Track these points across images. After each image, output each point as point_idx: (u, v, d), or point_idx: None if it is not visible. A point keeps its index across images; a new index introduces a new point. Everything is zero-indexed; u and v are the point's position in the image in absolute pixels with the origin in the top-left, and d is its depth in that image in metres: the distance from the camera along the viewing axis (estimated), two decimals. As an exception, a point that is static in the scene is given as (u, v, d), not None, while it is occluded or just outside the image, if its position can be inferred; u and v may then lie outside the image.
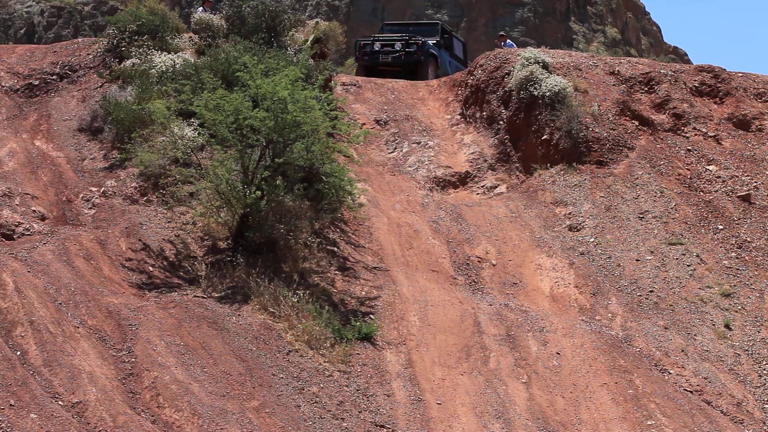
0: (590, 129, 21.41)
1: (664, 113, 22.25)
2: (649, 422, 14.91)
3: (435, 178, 21.80)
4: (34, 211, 18.09)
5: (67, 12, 69.71)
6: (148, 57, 22.23)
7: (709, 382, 16.15)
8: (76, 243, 16.79)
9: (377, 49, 26.62)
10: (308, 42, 24.03)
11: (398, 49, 26.31)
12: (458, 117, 24.04)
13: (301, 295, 16.41)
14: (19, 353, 13.64)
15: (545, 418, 14.80)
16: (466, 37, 68.22)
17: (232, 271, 16.77)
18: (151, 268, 16.95)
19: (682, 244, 19.03)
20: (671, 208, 19.87)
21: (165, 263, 17.14)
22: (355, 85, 25.27)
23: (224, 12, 24.42)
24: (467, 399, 14.98)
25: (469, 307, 16.99)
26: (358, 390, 14.94)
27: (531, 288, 18.08)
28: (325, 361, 15.30)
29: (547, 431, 14.59)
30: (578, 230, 19.55)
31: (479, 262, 18.68)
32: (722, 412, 15.66)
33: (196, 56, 22.69)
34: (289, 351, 15.32)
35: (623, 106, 22.08)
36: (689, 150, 21.49)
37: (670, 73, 23.16)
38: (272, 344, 15.35)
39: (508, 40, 29.17)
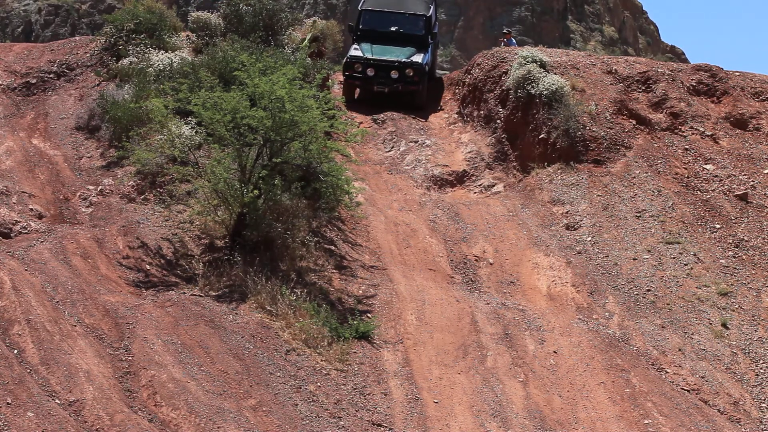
0: (587, 128, 21.42)
1: (662, 112, 22.25)
2: (646, 421, 14.91)
3: (432, 176, 21.80)
4: (32, 209, 18.09)
5: (65, 10, 69.63)
6: (146, 55, 22.23)
7: (706, 381, 16.16)
8: (73, 241, 16.78)
9: (371, 75, 24.18)
10: (306, 41, 24.01)
11: (395, 78, 24.01)
12: (456, 116, 24.05)
13: (299, 293, 16.41)
14: (16, 351, 13.63)
15: (542, 417, 14.80)
16: (462, 36, 68.25)
17: (229, 269, 16.77)
18: (148, 267, 16.94)
19: (679, 243, 19.04)
20: (668, 207, 19.87)
21: (162, 261, 17.14)
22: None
23: (222, 11, 24.42)
24: (464, 398, 14.97)
25: (466, 305, 16.98)
26: (355, 388, 14.93)
27: (528, 287, 18.08)
28: (322, 360, 15.29)
29: (544, 430, 14.59)
30: (575, 229, 19.55)
31: (476, 260, 18.68)
32: (719, 411, 15.67)
33: (193, 55, 22.71)
34: (287, 350, 15.32)
35: (620, 105, 22.08)
36: (686, 149, 21.50)
37: (667, 72, 23.17)
38: (269, 343, 15.34)
39: (512, 39, 28.15)
